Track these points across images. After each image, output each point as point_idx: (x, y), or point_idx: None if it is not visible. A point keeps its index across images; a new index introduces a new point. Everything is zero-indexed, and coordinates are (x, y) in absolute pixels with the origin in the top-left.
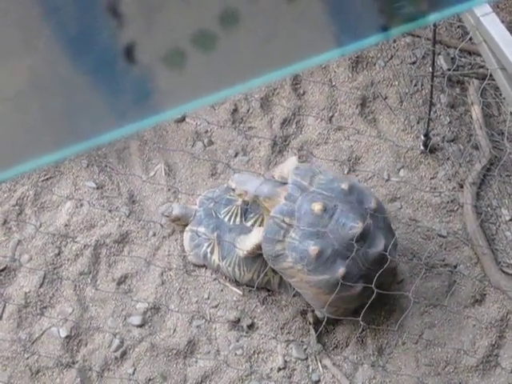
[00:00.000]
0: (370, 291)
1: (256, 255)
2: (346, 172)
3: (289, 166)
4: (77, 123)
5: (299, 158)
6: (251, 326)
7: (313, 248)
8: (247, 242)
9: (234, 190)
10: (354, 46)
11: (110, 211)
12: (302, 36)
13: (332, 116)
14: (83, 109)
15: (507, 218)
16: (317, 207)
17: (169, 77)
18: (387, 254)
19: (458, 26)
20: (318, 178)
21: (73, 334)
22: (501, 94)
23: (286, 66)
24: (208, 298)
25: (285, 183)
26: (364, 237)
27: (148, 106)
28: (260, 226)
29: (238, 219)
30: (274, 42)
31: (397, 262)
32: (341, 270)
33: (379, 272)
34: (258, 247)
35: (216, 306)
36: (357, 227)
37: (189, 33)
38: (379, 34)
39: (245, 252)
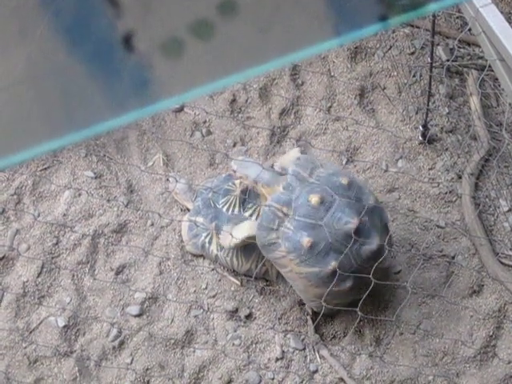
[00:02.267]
0: (360, 288)
1: (254, 246)
2: (344, 162)
3: (291, 156)
4: (75, 112)
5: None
6: (249, 316)
7: (306, 239)
8: (238, 233)
9: (234, 172)
10: (352, 36)
11: (108, 201)
12: (301, 25)
13: (330, 106)
14: (81, 98)
15: (505, 209)
16: (314, 199)
17: (167, 66)
18: (379, 251)
19: (457, 17)
20: (318, 170)
21: (71, 324)
22: (499, 85)
23: (285, 55)
24: (206, 288)
25: (285, 174)
26: (359, 233)
27: (146, 95)
28: (258, 215)
29: (236, 209)
30: (272, 32)
31: (390, 262)
32: (332, 264)
33: (372, 269)
34: (249, 239)
35: (214, 296)
36: (352, 222)
37: (187, 22)
38: (378, 24)
39: (232, 244)
